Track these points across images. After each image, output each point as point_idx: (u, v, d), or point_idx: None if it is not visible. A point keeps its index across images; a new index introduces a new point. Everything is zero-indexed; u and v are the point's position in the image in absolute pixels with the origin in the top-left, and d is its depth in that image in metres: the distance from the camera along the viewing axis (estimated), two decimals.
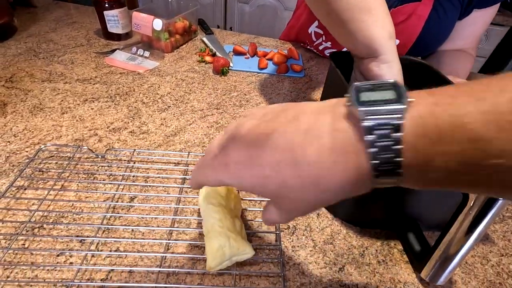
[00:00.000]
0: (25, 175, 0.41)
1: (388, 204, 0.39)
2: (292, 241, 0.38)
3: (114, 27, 0.77)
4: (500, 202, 0.27)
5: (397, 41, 0.67)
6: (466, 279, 0.36)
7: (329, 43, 0.77)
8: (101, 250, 0.34)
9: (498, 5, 0.66)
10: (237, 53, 0.79)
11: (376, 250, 0.38)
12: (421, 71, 0.48)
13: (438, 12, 0.65)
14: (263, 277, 0.34)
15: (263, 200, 0.42)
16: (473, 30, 0.70)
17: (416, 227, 0.39)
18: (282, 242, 0.37)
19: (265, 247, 0.37)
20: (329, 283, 0.34)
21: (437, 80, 0.45)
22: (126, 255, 0.34)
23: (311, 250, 0.37)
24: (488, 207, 0.27)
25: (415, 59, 0.50)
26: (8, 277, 0.31)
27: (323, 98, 0.53)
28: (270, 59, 0.77)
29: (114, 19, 0.76)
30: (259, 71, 0.74)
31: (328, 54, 0.80)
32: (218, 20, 1.88)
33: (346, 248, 0.38)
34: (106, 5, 0.74)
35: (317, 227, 0.40)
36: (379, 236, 0.40)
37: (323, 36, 0.76)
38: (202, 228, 0.35)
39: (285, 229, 0.39)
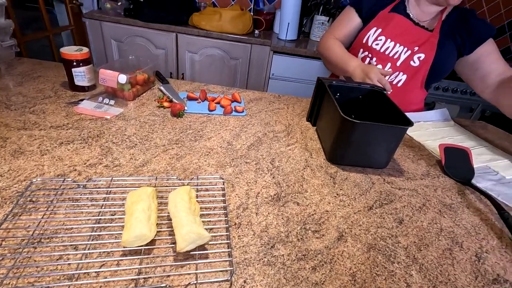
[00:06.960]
0: (18, 205, 0.51)
1: None
2: (238, 232, 0.53)
3: (81, 81, 0.90)
4: None
5: (423, 55, 0.98)
6: (354, 244, 0.54)
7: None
8: (92, 254, 0.45)
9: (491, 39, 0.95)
10: (190, 98, 0.97)
11: (297, 233, 0.55)
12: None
13: (441, 43, 0.97)
14: (216, 255, 0.48)
15: (215, 208, 0.57)
16: (495, 58, 0.95)
17: None
18: (230, 234, 0.52)
19: (218, 238, 0.51)
20: (263, 256, 0.49)
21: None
22: (113, 253, 0.45)
23: (251, 237, 0.52)
24: None
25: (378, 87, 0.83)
26: (18, 278, 0.40)
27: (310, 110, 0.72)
28: (218, 103, 0.96)
29: (81, 74, 0.89)
30: (209, 112, 0.91)
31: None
32: (171, 67, 2.07)
33: (276, 233, 0.54)
34: (74, 63, 0.87)
35: (256, 222, 0.55)
36: (299, 224, 0.57)
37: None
38: (171, 227, 0.48)
39: (233, 225, 0.54)
